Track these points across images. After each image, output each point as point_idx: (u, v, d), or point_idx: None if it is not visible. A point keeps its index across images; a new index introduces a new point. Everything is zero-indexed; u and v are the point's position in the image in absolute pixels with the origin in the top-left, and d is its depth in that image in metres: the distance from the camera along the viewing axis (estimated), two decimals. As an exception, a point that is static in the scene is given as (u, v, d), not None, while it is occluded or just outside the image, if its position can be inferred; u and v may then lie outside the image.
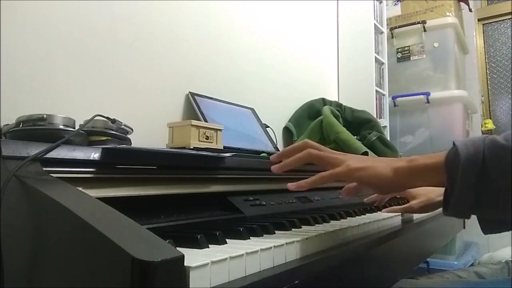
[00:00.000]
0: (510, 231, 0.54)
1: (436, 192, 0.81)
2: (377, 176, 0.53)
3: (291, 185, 0.53)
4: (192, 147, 0.85)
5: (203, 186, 0.68)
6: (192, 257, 0.35)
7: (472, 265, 2.05)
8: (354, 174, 0.54)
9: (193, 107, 1.07)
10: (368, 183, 0.55)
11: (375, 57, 1.94)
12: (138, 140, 0.75)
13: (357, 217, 0.78)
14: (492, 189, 0.46)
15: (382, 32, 2.08)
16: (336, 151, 0.59)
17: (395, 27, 2.30)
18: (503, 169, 0.45)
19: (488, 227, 0.55)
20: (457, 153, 0.47)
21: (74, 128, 0.61)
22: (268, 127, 1.32)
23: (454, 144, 0.49)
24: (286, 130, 1.53)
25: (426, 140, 2.18)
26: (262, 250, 0.42)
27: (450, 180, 0.48)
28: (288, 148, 0.60)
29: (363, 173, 0.54)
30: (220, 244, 0.46)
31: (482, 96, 2.78)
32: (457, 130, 2.17)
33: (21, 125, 0.58)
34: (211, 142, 0.90)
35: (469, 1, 2.53)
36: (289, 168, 0.58)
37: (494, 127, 2.71)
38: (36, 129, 0.57)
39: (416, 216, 0.89)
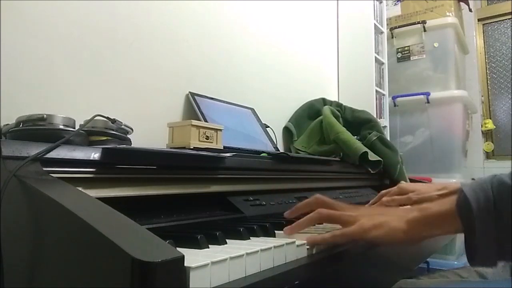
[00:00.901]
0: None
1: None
2: (391, 232, 0.52)
3: (309, 242, 0.52)
4: (192, 147, 0.85)
5: (203, 186, 0.68)
6: (192, 257, 0.35)
7: (472, 265, 2.05)
8: (369, 235, 0.52)
9: (193, 107, 1.07)
10: (383, 242, 0.54)
11: (375, 57, 1.94)
12: (138, 140, 0.75)
13: (357, 217, 0.78)
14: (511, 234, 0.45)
15: (382, 32, 2.07)
16: (346, 206, 0.58)
17: (395, 27, 2.30)
18: None
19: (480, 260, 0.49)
20: (468, 202, 0.47)
21: (74, 128, 0.61)
22: (268, 127, 1.32)
23: (462, 189, 0.48)
24: (286, 130, 1.53)
25: (426, 140, 2.18)
26: (262, 250, 0.42)
27: (468, 231, 0.47)
28: (300, 205, 0.61)
29: (377, 232, 0.52)
30: (220, 244, 0.46)
31: (482, 96, 2.78)
32: (457, 130, 2.17)
33: (21, 125, 0.58)
34: (211, 142, 0.90)
35: (469, 1, 2.53)
36: (302, 229, 0.58)
37: (494, 127, 2.71)
38: (36, 129, 0.57)
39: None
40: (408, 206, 0.56)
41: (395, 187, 0.83)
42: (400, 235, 0.52)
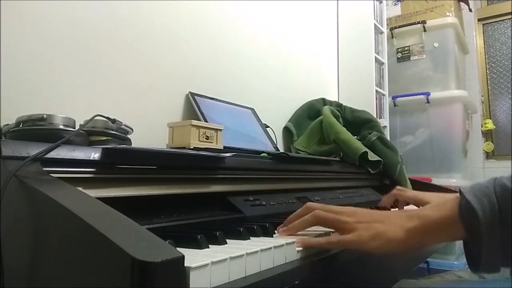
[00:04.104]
0: None
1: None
2: (389, 243, 0.50)
3: (298, 244, 0.50)
4: (192, 147, 0.85)
5: (203, 186, 0.68)
6: (192, 257, 0.35)
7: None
8: (366, 246, 0.50)
9: (193, 107, 1.07)
10: (381, 253, 0.51)
11: (375, 57, 1.94)
12: (138, 140, 0.75)
13: (357, 217, 0.77)
14: None
15: (382, 32, 2.07)
16: (342, 210, 0.56)
17: (395, 27, 2.30)
18: None
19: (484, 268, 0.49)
20: (471, 207, 0.46)
21: (74, 128, 0.61)
22: (268, 127, 1.32)
23: (462, 194, 0.47)
24: (286, 130, 1.53)
25: (426, 140, 2.18)
26: (262, 250, 0.42)
27: (471, 238, 0.46)
28: (292, 215, 0.58)
29: (375, 244, 0.50)
30: (220, 244, 0.46)
31: (482, 96, 2.78)
32: (457, 130, 2.17)
33: (21, 125, 0.58)
34: (211, 142, 0.90)
35: (469, 1, 2.53)
36: (296, 232, 0.56)
37: (494, 127, 2.71)
38: (36, 129, 0.57)
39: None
40: (408, 212, 0.53)
41: (394, 190, 0.82)
42: (398, 245, 0.50)
